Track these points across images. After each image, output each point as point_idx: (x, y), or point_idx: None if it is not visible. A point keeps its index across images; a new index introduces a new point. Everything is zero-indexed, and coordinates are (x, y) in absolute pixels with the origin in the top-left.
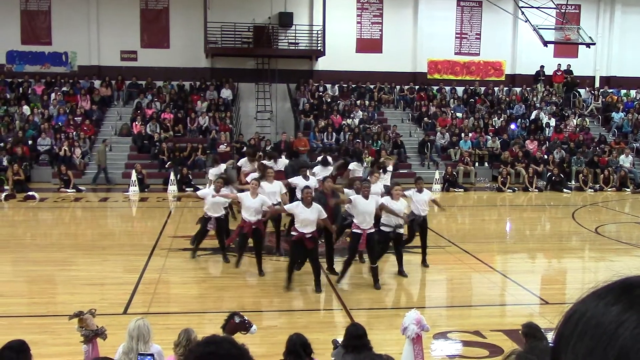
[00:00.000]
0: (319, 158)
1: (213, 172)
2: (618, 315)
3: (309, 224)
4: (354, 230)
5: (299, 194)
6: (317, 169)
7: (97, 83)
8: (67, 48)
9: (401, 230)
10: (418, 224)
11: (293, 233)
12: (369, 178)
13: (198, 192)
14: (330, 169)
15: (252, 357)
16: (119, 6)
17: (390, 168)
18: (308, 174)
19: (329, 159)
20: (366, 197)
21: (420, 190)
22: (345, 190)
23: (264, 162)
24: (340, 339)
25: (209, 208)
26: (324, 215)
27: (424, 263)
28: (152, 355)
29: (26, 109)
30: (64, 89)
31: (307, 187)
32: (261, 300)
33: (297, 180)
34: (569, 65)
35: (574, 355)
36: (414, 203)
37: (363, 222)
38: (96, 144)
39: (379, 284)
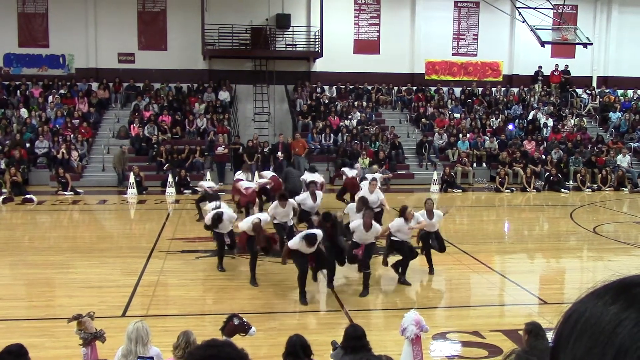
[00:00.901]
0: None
1: (203, 184)
2: (616, 315)
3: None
4: (353, 240)
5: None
6: (306, 175)
7: (94, 85)
8: (65, 50)
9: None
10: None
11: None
12: (368, 187)
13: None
14: (316, 175)
15: None
16: (116, 8)
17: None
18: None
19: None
20: (368, 227)
21: (430, 214)
22: (349, 205)
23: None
24: (339, 340)
25: (219, 226)
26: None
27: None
28: (151, 358)
29: (24, 112)
30: (62, 91)
31: (316, 213)
32: (260, 301)
33: (303, 198)
34: (566, 66)
35: (572, 354)
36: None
37: (365, 240)
38: (94, 147)
39: (367, 292)
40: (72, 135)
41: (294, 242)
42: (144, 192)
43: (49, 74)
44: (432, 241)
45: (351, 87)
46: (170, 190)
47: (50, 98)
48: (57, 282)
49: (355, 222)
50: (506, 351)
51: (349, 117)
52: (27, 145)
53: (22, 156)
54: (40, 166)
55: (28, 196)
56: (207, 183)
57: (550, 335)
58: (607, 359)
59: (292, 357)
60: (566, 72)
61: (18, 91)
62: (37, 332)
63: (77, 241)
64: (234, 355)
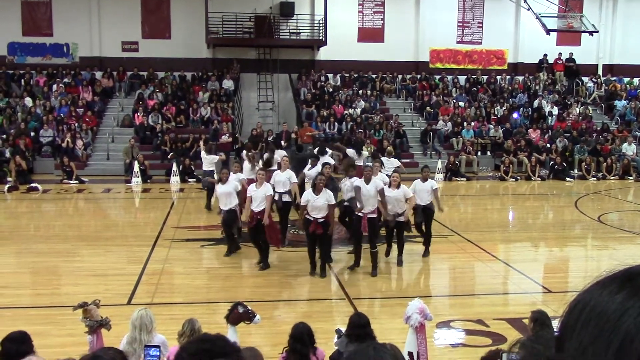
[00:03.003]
0: (315, 150)
1: (205, 156)
2: (622, 303)
3: (318, 209)
4: (355, 214)
5: (307, 186)
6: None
7: (98, 74)
8: (69, 39)
9: (402, 219)
10: (421, 213)
11: (307, 217)
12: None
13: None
14: (327, 158)
15: (244, 357)
16: None
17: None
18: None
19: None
20: (367, 181)
21: (424, 180)
22: (344, 180)
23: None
24: (343, 329)
25: (219, 200)
26: (333, 201)
27: (425, 253)
28: (158, 347)
29: (28, 101)
30: (66, 80)
31: (320, 173)
32: (264, 290)
33: (307, 172)
34: (571, 54)
35: (578, 342)
36: (417, 192)
37: (365, 205)
38: (98, 135)
39: (377, 271)
40: (76, 124)
41: (304, 195)
42: (149, 180)
43: (53, 62)
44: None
45: (355, 75)
46: (175, 179)
47: (54, 87)
48: (62, 270)
49: (357, 182)
50: (512, 340)
51: (353, 105)
52: (32, 134)
53: (27, 145)
54: (45, 155)
55: (33, 185)
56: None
57: (555, 324)
58: (613, 347)
59: (299, 344)
60: (571, 60)
61: (22, 80)
62: (43, 319)
63: (82, 229)
64: (228, 349)
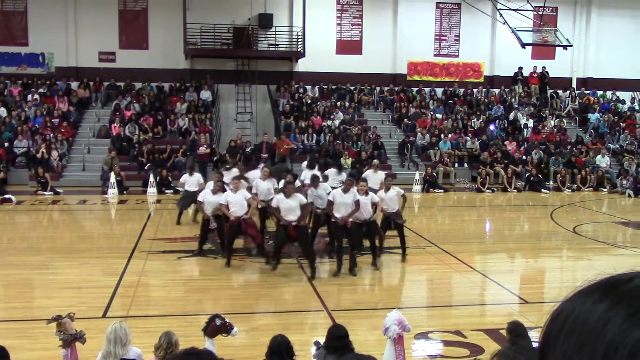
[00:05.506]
0: (304, 163)
1: (185, 179)
2: (605, 312)
3: (291, 212)
4: (334, 220)
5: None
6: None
7: (74, 84)
8: (44, 49)
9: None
10: (392, 221)
11: (283, 224)
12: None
13: (199, 200)
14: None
15: None
16: (97, 7)
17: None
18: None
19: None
20: (345, 192)
21: (387, 189)
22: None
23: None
24: (322, 340)
25: (208, 209)
26: (304, 200)
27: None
28: None
29: (2, 111)
30: (41, 90)
31: (289, 182)
32: (242, 302)
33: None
34: (543, 68)
35: (562, 352)
36: (384, 201)
37: (342, 214)
38: (74, 146)
39: (355, 271)
40: (51, 135)
41: (274, 199)
42: (125, 192)
43: (28, 72)
44: (392, 223)
45: (334, 87)
46: (152, 190)
47: (29, 97)
48: (36, 282)
49: (333, 192)
50: (494, 350)
51: (332, 117)
52: (6, 144)
53: (1, 156)
54: (19, 166)
55: (7, 196)
56: (186, 176)
57: (533, 334)
58: (597, 356)
59: (277, 357)
60: (544, 73)
61: None
62: (16, 333)
63: (56, 241)
64: None
